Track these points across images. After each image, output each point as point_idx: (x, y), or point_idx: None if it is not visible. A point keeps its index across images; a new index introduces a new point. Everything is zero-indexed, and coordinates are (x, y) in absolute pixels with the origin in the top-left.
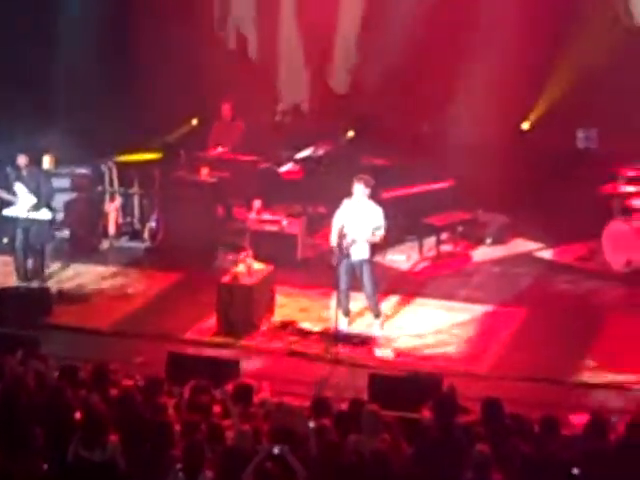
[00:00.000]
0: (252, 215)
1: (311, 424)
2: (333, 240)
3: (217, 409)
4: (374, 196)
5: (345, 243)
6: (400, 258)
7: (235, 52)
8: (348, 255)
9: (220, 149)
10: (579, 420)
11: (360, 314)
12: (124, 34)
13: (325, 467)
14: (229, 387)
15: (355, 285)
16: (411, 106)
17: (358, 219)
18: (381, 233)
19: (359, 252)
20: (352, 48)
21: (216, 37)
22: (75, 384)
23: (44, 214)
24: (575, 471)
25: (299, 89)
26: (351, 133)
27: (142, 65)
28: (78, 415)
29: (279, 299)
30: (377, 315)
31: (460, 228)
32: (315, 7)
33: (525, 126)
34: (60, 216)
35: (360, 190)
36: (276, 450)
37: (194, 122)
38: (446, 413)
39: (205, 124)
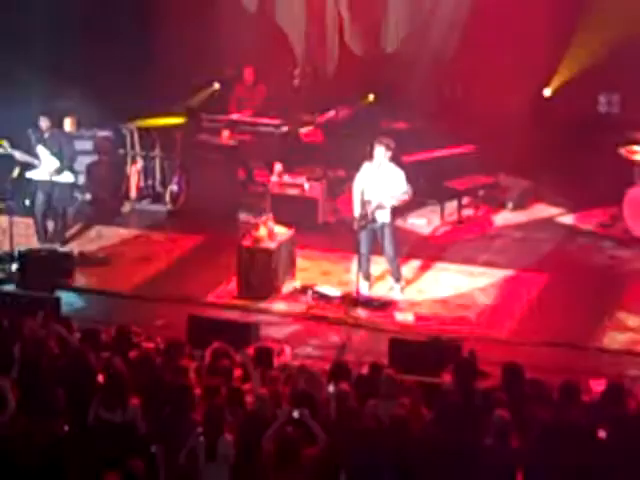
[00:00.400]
0: (273, 178)
1: (330, 388)
2: (356, 208)
3: (238, 373)
4: (395, 160)
5: (370, 209)
6: (421, 222)
7: (255, 15)
8: (374, 220)
9: (242, 114)
10: (599, 386)
11: (381, 278)
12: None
13: (344, 431)
14: (249, 350)
15: (376, 249)
16: (432, 70)
17: (380, 183)
18: (406, 196)
19: (380, 216)
20: (375, 11)
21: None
22: (97, 347)
23: (66, 177)
24: (601, 434)
25: (318, 52)
26: (371, 97)
27: (162, 29)
28: (100, 378)
29: (300, 263)
30: (398, 279)
31: (481, 192)
32: None
33: (547, 92)
34: (82, 179)
35: (381, 153)
36: (296, 414)
37: (216, 86)
38: (466, 378)
39: (226, 88)
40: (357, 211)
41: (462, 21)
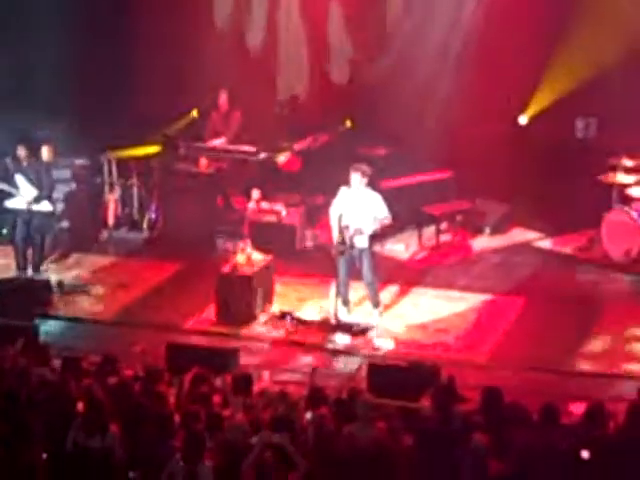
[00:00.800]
0: (251, 205)
1: (308, 414)
2: (335, 233)
3: (217, 399)
4: (372, 186)
5: (348, 234)
6: (399, 247)
7: (233, 44)
8: (352, 246)
9: (219, 140)
10: (579, 409)
11: (359, 303)
12: (121, 25)
13: (322, 457)
14: (228, 377)
15: (354, 274)
16: (409, 96)
17: (358, 209)
18: (387, 221)
19: (359, 241)
20: (349, 40)
21: (214, 29)
22: (78, 374)
23: (45, 206)
24: (585, 454)
25: (297, 80)
26: (349, 122)
27: (139, 57)
28: (80, 406)
29: (278, 289)
30: (376, 304)
31: (459, 217)
32: None
33: (523, 120)
34: (60, 207)
35: (357, 180)
36: (276, 439)
37: (194, 114)
38: (445, 402)
39: (204, 116)
40: (335, 237)
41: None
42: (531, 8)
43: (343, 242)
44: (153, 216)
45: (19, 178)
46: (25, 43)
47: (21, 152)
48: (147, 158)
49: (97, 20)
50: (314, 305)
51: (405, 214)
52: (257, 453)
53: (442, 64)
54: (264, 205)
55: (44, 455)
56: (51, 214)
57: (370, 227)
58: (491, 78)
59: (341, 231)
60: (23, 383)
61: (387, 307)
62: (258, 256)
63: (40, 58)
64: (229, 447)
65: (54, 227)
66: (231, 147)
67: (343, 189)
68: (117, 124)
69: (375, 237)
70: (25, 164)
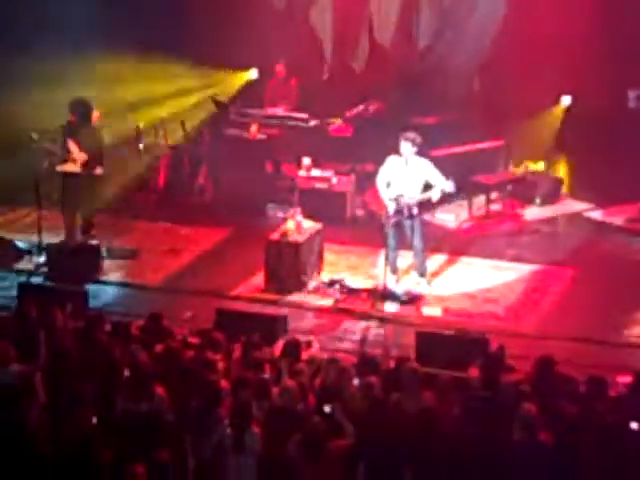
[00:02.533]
0: (301, 172)
1: (356, 381)
2: (386, 201)
3: (266, 366)
4: (423, 154)
5: (404, 203)
6: (449, 217)
7: (283, 11)
8: (411, 215)
9: (277, 109)
10: (626, 381)
11: (408, 272)
12: None
13: (371, 425)
14: (278, 343)
15: (404, 243)
16: (461, 64)
17: (409, 178)
18: (450, 187)
19: (415, 209)
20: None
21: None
22: (127, 339)
23: (96, 170)
24: (634, 426)
25: (347, 47)
26: (400, 91)
27: (193, 26)
28: (126, 371)
29: (327, 256)
30: (422, 274)
31: (510, 187)
32: None
33: (566, 101)
34: (110, 171)
35: (408, 149)
36: (327, 409)
37: (253, 74)
38: (494, 372)
39: (258, 83)
40: (387, 204)
41: (495, 28)
42: None
43: (400, 211)
44: (203, 182)
45: (71, 142)
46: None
47: (72, 117)
48: (198, 123)
49: None
50: (363, 273)
51: (456, 183)
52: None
53: (490, 33)
54: (314, 172)
55: (94, 419)
56: (101, 178)
57: (421, 195)
58: (546, 47)
59: (396, 200)
60: (74, 347)
61: (436, 276)
62: (308, 223)
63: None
64: (278, 412)
65: (104, 193)
66: (282, 114)
67: (392, 158)
68: None
69: (425, 206)
70: (76, 128)
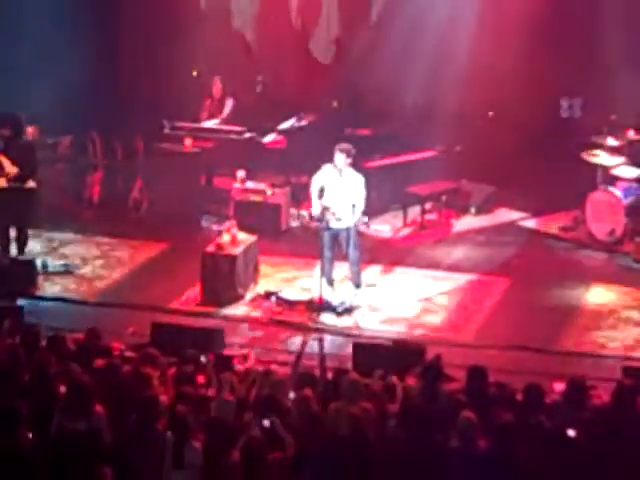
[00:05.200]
0: (236, 185)
1: (291, 394)
2: (315, 207)
3: (201, 379)
4: (357, 166)
5: (329, 215)
6: (384, 227)
7: (218, 24)
8: (328, 227)
9: (212, 122)
10: (562, 388)
11: (343, 283)
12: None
13: (308, 436)
14: (212, 357)
15: (339, 254)
16: (395, 76)
17: (341, 189)
18: (361, 209)
19: (344, 221)
20: (336, 18)
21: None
22: (62, 355)
23: (28, 185)
24: (571, 433)
25: (281, 59)
26: (335, 103)
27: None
28: (62, 388)
29: (263, 269)
30: (358, 285)
31: (444, 197)
32: None
33: (490, 114)
34: (44, 186)
35: (342, 160)
36: (266, 423)
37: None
38: (432, 381)
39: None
40: (316, 209)
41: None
42: None
43: (321, 220)
44: (138, 195)
45: (2, 157)
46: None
47: (4, 131)
48: (132, 137)
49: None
50: (299, 285)
51: (390, 194)
52: (247, 437)
53: (426, 44)
54: (249, 185)
55: (30, 436)
56: (34, 193)
57: (351, 209)
58: (477, 57)
59: (322, 210)
60: (10, 364)
61: (372, 286)
62: (243, 236)
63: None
64: (216, 426)
65: (38, 206)
66: (216, 126)
67: (327, 167)
68: (102, 104)
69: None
70: (8, 143)
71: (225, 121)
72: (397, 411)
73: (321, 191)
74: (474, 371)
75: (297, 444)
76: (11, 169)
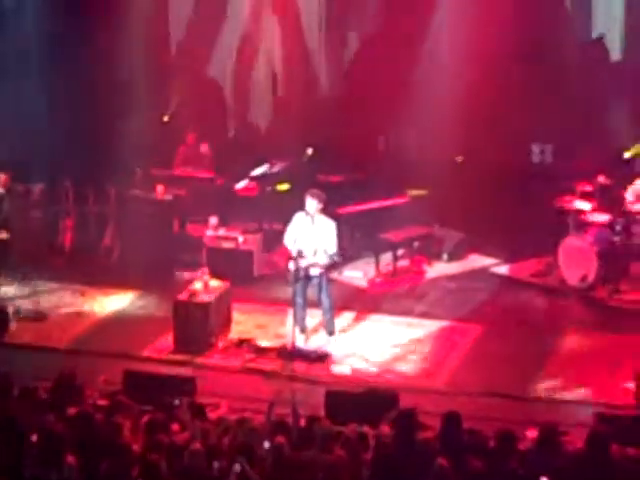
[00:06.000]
0: (208, 232)
1: (266, 444)
2: (290, 247)
3: (175, 427)
4: (329, 212)
5: (302, 262)
6: (357, 274)
7: (190, 72)
8: (307, 276)
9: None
10: (534, 435)
11: (316, 330)
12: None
13: None
14: (184, 405)
15: (311, 301)
16: (366, 124)
17: (313, 235)
18: (336, 257)
19: (313, 271)
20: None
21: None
22: (35, 404)
23: (0, 234)
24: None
25: (252, 106)
26: (310, 150)
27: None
28: (34, 437)
29: (235, 316)
30: (331, 332)
31: (416, 244)
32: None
33: (459, 159)
34: (15, 234)
35: (313, 206)
36: (237, 467)
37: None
38: (406, 429)
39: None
40: (290, 247)
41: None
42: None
43: (297, 269)
44: (110, 243)
45: None
46: None
47: None
48: (103, 184)
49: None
50: (272, 332)
51: (362, 240)
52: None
53: (396, 88)
54: (221, 232)
55: None
56: (6, 242)
57: (324, 255)
58: (445, 104)
59: (295, 258)
60: None
61: (345, 334)
62: (215, 283)
63: None
64: (188, 474)
65: (9, 255)
66: (187, 174)
67: (299, 214)
68: (74, 151)
69: (332, 264)
70: None
71: (202, 168)
72: (370, 459)
73: (294, 242)
74: (450, 417)
75: None
76: None
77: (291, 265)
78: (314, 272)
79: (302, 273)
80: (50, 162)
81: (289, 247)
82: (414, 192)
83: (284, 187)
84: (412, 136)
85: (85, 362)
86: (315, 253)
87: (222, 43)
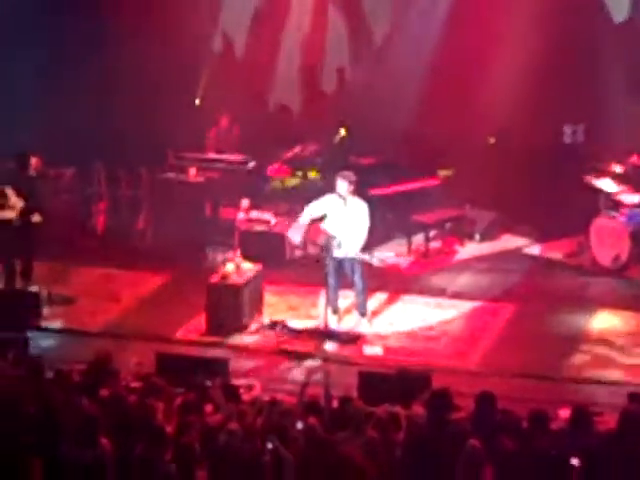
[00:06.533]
0: (240, 214)
1: (299, 424)
2: (302, 221)
3: (209, 408)
4: (361, 194)
5: (332, 243)
6: (389, 256)
7: (225, 54)
8: (331, 256)
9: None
10: (567, 414)
11: (349, 311)
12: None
13: (315, 466)
14: (218, 387)
15: (344, 282)
16: (399, 104)
17: (346, 218)
18: (364, 237)
19: (349, 249)
20: (340, 47)
21: (201, 41)
22: (69, 387)
23: (34, 217)
24: (574, 462)
25: (288, 89)
26: (343, 131)
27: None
28: (70, 418)
29: (268, 298)
30: (363, 313)
31: (449, 225)
32: (305, 9)
33: (491, 140)
34: (48, 218)
35: (344, 188)
36: (270, 445)
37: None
38: (439, 409)
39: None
40: (301, 221)
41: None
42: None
43: (325, 250)
44: (142, 226)
45: (8, 190)
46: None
47: (10, 165)
48: (136, 167)
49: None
50: (304, 314)
51: (394, 222)
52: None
53: (427, 71)
54: (253, 214)
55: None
56: (39, 225)
57: (357, 237)
58: (479, 85)
59: (327, 238)
60: (15, 395)
61: (377, 315)
62: (247, 265)
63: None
64: (223, 455)
65: (42, 238)
66: (220, 156)
67: (331, 196)
68: (106, 135)
69: (365, 245)
70: (13, 175)
71: (233, 151)
72: (402, 440)
73: (322, 219)
74: (483, 397)
75: (301, 472)
76: (17, 202)
77: (322, 241)
78: (345, 254)
79: (328, 254)
80: (81, 146)
81: (304, 216)
82: (442, 172)
83: (314, 174)
84: (445, 118)
85: (118, 345)
86: (347, 235)
87: (256, 27)
